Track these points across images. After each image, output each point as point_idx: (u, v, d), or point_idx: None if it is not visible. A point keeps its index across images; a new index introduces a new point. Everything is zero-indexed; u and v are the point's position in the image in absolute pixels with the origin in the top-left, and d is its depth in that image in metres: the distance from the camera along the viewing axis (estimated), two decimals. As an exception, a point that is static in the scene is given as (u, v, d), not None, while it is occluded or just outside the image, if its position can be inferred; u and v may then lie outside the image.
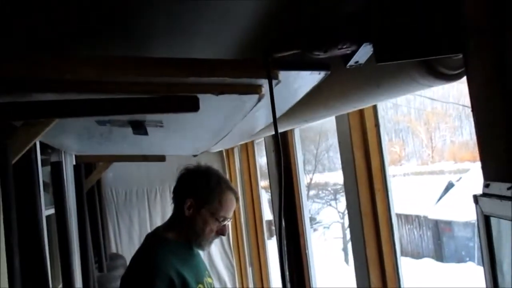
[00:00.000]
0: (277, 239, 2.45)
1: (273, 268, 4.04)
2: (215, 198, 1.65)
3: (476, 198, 0.86)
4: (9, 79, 1.09)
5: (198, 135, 2.60)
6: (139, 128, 1.49)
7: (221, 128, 2.22)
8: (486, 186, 0.83)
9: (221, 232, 1.68)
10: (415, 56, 0.93)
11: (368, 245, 1.93)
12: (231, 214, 1.68)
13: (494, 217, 0.82)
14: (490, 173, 0.84)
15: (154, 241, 1.69)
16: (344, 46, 0.91)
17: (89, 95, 1.19)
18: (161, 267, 1.58)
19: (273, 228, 6.42)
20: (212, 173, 1.73)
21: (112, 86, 1.18)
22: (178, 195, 1.71)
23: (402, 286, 1.89)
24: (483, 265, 0.90)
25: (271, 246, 4.15)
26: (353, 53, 0.94)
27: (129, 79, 1.18)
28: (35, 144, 1.66)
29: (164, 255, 1.62)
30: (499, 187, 0.78)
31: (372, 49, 0.92)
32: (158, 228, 1.78)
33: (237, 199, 1.75)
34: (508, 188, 0.75)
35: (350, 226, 2.13)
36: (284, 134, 2.84)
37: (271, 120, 1.17)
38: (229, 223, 1.73)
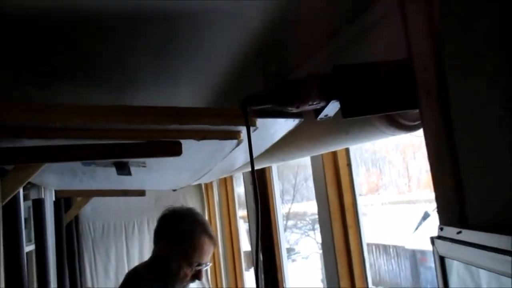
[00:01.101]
0: (254, 271, 2.49)
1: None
2: (187, 242, 1.64)
3: (432, 240, 0.95)
4: (1, 126, 1.16)
5: (179, 173, 2.66)
6: (123, 169, 1.55)
7: (201, 167, 2.29)
8: (440, 229, 0.93)
9: (197, 277, 1.67)
10: (378, 111, 1.05)
11: (342, 278, 2.00)
12: (206, 259, 1.67)
13: (448, 258, 0.91)
14: (444, 218, 0.94)
15: (135, 280, 1.71)
16: (314, 103, 1.01)
17: (77, 141, 1.26)
18: None
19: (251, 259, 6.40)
20: (189, 215, 1.73)
21: (99, 132, 1.25)
22: (156, 236, 1.73)
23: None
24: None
25: (249, 277, 4.17)
26: (323, 108, 1.04)
27: (115, 126, 1.25)
28: (20, 183, 1.70)
29: None
30: (451, 231, 0.88)
31: (339, 105, 1.02)
32: (137, 267, 1.80)
33: (214, 244, 1.73)
34: (458, 233, 0.85)
35: (324, 258, 2.19)
36: (262, 169, 2.93)
37: (249, 159, 1.25)
38: (207, 268, 1.73)
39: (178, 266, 1.62)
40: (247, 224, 3.83)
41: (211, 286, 4.80)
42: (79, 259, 3.96)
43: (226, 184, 4.35)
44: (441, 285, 0.93)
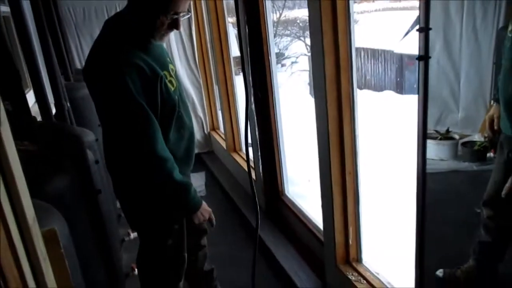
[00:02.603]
0: (243, 73, 2.54)
1: (241, 105, 4.22)
2: None
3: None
4: None
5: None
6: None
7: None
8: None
9: (174, 26, 1.66)
10: None
11: (328, 79, 2.06)
12: (182, 8, 1.64)
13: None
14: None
15: (116, 31, 1.67)
16: None
17: None
18: (128, 56, 1.59)
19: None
20: None
21: None
22: None
23: (356, 114, 2.09)
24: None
25: (239, 82, 4.29)
26: None
27: None
28: None
29: (128, 44, 1.62)
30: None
31: None
32: (118, 16, 1.72)
33: None
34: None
35: (312, 60, 2.22)
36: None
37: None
38: (186, 17, 1.70)
39: (153, 15, 1.61)
40: (236, 29, 3.74)
41: (199, 69, 4.87)
42: (64, 42, 3.82)
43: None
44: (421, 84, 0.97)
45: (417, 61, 1.15)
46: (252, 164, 3.66)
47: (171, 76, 1.74)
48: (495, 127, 1.71)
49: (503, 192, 1.58)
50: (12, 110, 1.66)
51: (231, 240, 3.25)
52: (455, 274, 1.96)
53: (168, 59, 1.83)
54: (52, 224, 0.98)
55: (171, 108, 1.74)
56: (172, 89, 1.73)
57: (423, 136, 1.21)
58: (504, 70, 1.59)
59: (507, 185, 1.58)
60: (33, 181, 1.23)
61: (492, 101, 1.76)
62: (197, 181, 4.14)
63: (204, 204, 1.88)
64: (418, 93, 1.16)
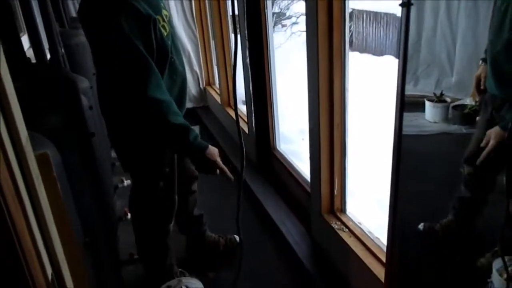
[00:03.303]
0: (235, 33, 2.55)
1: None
2: None
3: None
4: None
5: None
6: None
7: None
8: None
9: None
10: None
11: (321, 36, 2.09)
12: None
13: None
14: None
15: None
16: None
17: None
18: None
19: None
20: None
21: None
22: None
23: (346, 70, 2.13)
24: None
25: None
26: None
27: None
28: None
29: None
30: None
31: None
32: None
33: None
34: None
35: (306, 18, 2.23)
36: None
37: None
38: None
39: None
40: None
41: (196, 24, 4.85)
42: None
43: None
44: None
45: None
46: (245, 118, 3.71)
47: (164, 21, 1.76)
48: (482, 87, 1.76)
49: (482, 144, 1.65)
50: (6, 50, 1.68)
51: (220, 189, 3.34)
52: (434, 228, 2.06)
53: (162, 4, 1.84)
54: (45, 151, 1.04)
55: (164, 53, 1.77)
56: (165, 34, 1.75)
57: (402, 88, 1.25)
58: (492, 28, 1.61)
59: (485, 137, 1.64)
60: (26, 116, 1.28)
61: (480, 62, 1.79)
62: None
63: (212, 150, 1.83)
64: (399, 43, 1.19)
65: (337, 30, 2.06)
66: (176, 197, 2.09)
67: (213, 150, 1.83)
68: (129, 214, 2.74)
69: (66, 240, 0.96)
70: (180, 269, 2.40)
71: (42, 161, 0.92)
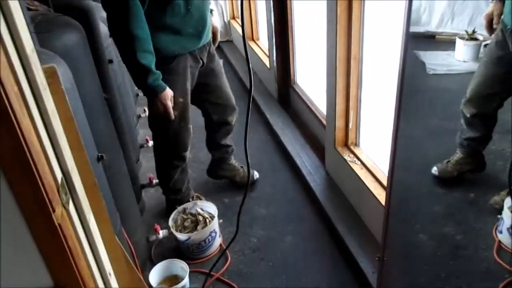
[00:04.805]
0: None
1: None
2: None
3: None
4: None
5: None
6: None
7: None
8: None
9: None
10: None
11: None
12: None
13: None
14: None
15: None
16: None
17: None
18: None
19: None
20: None
21: None
22: None
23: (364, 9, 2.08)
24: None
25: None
26: None
27: None
28: None
29: None
30: None
31: None
32: None
33: None
34: None
35: None
36: None
37: None
38: None
39: None
40: None
41: None
42: None
43: None
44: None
45: None
46: (266, 52, 3.68)
47: None
48: (494, 26, 1.69)
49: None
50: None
51: (241, 120, 3.41)
52: (447, 169, 2.08)
53: None
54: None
55: None
56: None
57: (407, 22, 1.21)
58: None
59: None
60: (40, 36, 1.33)
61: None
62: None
63: (166, 93, 1.90)
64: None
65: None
66: (190, 126, 2.16)
67: (166, 95, 1.91)
68: (150, 142, 2.86)
69: (75, 149, 1.04)
70: (196, 194, 2.52)
71: (50, 74, 0.97)
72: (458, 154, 2.06)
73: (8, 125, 0.72)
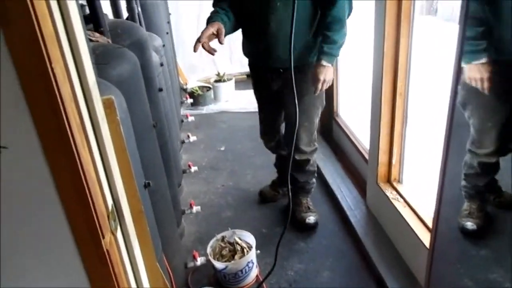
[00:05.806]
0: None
1: None
2: None
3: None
4: None
5: None
6: None
7: None
8: None
9: None
10: None
11: (389, 3, 2.03)
12: None
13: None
14: None
15: None
16: None
17: None
18: None
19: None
20: None
21: None
22: None
23: (412, 33, 2.06)
24: None
25: None
26: None
27: None
28: None
29: None
30: None
31: None
32: None
33: None
34: None
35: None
36: None
37: None
38: None
39: None
40: None
41: None
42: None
43: None
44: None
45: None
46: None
47: None
48: None
49: None
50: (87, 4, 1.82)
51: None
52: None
53: None
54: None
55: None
56: None
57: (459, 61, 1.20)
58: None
59: None
60: (99, 66, 1.41)
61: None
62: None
63: (212, 24, 1.97)
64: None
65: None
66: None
67: (207, 28, 1.97)
68: (192, 168, 2.91)
69: (125, 176, 1.08)
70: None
71: (107, 105, 1.03)
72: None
73: (69, 157, 0.77)
